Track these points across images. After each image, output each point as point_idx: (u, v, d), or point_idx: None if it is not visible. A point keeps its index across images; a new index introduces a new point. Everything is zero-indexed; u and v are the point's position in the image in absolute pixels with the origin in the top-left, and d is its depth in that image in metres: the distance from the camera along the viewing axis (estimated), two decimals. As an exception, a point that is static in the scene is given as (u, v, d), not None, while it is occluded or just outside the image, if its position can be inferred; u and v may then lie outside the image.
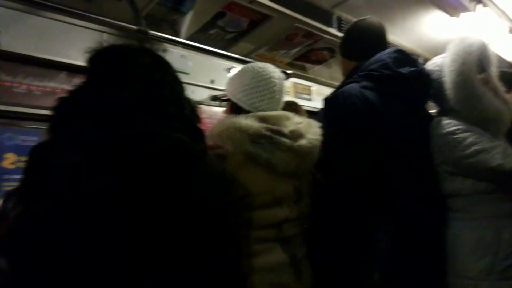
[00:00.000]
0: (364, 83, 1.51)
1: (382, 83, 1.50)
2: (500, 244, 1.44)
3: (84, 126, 0.88)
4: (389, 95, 1.49)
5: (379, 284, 1.39)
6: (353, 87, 1.51)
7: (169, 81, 1.03)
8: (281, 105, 1.47)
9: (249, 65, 1.51)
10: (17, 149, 1.77)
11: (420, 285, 1.47)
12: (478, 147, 1.47)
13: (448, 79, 1.58)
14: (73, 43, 1.82)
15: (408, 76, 1.53)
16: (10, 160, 1.76)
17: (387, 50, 1.62)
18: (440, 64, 1.65)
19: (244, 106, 1.42)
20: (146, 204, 0.88)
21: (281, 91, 1.45)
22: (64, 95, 0.96)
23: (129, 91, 0.92)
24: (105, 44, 1.06)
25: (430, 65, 1.72)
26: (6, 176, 1.73)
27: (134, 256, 0.86)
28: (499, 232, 1.46)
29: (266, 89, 1.41)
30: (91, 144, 0.86)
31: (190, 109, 1.05)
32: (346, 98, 1.47)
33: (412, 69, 1.55)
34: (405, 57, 1.60)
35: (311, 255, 1.44)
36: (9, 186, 1.71)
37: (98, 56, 1.02)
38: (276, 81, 1.43)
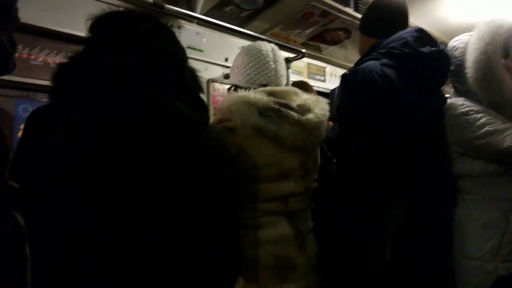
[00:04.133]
0: (385, 60, 1.49)
1: (403, 62, 1.48)
2: (507, 226, 1.44)
3: (84, 91, 0.87)
4: (408, 74, 1.48)
5: (389, 261, 1.41)
6: (373, 64, 1.49)
7: (170, 48, 1.00)
8: (281, 75, 1.48)
9: (241, 49, 1.54)
10: (32, 121, 1.79)
11: (429, 264, 1.48)
12: (490, 129, 1.46)
13: (470, 57, 1.54)
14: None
15: (428, 56, 1.51)
16: (26, 131, 1.78)
17: (409, 29, 1.60)
18: (465, 41, 1.62)
19: (244, 84, 1.45)
20: (143, 172, 0.88)
21: (276, 61, 1.47)
22: (65, 61, 0.95)
23: (129, 57, 0.90)
24: (105, 11, 1.02)
25: (455, 41, 1.68)
26: (22, 147, 1.76)
27: (127, 222, 0.86)
28: (506, 214, 1.45)
29: (259, 61, 1.44)
30: (91, 109, 0.86)
31: (191, 78, 1.02)
32: (366, 74, 1.45)
33: (433, 48, 1.53)
34: (426, 36, 1.58)
35: (321, 231, 1.47)
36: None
37: (98, 22, 1.00)
38: (268, 52, 1.46)
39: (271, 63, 1.45)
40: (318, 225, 1.49)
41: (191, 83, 1.01)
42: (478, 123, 1.49)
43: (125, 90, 0.88)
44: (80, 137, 0.85)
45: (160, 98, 0.90)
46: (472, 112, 1.51)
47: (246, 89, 1.40)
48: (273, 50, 1.48)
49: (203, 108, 1.03)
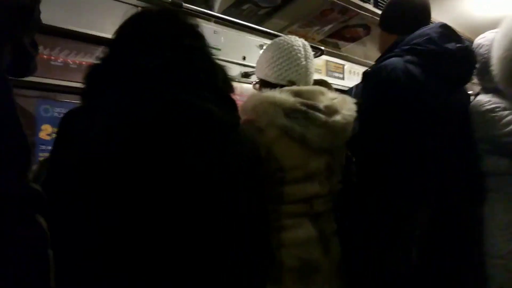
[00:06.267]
0: (408, 57, 1.46)
1: (427, 58, 1.45)
2: None
3: (115, 93, 0.87)
4: (433, 71, 1.45)
5: (416, 261, 1.38)
6: (397, 61, 1.45)
7: (201, 47, 0.98)
8: (311, 73, 1.46)
9: (271, 41, 1.51)
10: (53, 121, 1.81)
11: (455, 263, 1.47)
12: None
13: (495, 54, 1.51)
14: (108, 17, 1.82)
15: (454, 52, 1.47)
16: (47, 131, 1.80)
17: (432, 25, 1.56)
18: (490, 38, 1.59)
19: (273, 80, 1.42)
20: (174, 175, 0.86)
21: (307, 57, 1.43)
22: (96, 62, 0.94)
23: (159, 58, 0.89)
24: (132, 13, 1.00)
25: (480, 39, 1.67)
26: (42, 147, 1.78)
27: (158, 226, 0.85)
28: None
29: (290, 57, 1.40)
30: (121, 111, 0.85)
31: (222, 77, 0.99)
32: (389, 72, 1.42)
33: (458, 45, 1.49)
34: (450, 32, 1.54)
35: (342, 233, 1.44)
36: (46, 156, 1.76)
37: (126, 23, 0.98)
38: (300, 48, 1.42)
39: (302, 59, 1.41)
40: (339, 227, 1.46)
41: (222, 83, 0.98)
42: (504, 120, 1.47)
43: (156, 92, 0.87)
44: (109, 140, 0.83)
45: (190, 99, 0.89)
46: (498, 109, 1.50)
47: (272, 86, 1.37)
48: (304, 46, 1.44)
49: (234, 108, 1.02)
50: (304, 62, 1.42)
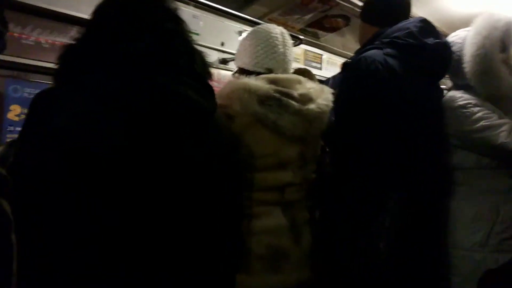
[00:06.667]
0: (388, 50, 1.47)
1: (406, 52, 1.46)
2: (496, 218, 1.46)
3: (94, 75, 0.84)
4: (411, 65, 1.46)
5: (384, 254, 1.40)
6: (376, 53, 1.46)
7: (181, 32, 0.97)
8: (289, 60, 1.46)
9: (250, 30, 1.52)
10: (22, 102, 1.76)
11: (424, 256, 1.49)
12: (485, 123, 1.46)
13: (468, 52, 1.54)
14: (84, -3, 1.77)
15: (432, 47, 1.49)
16: (16, 112, 1.75)
17: (412, 19, 1.58)
18: (463, 36, 1.61)
19: (251, 67, 1.42)
20: (149, 160, 0.85)
21: (285, 45, 1.44)
22: (72, 43, 0.91)
23: (141, 41, 0.87)
24: None
25: (453, 37, 1.68)
26: (10, 128, 1.73)
27: (135, 212, 0.84)
28: (496, 206, 1.47)
29: (268, 45, 1.41)
30: (101, 93, 0.83)
31: (201, 63, 0.99)
32: (369, 63, 1.42)
33: (436, 40, 1.52)
34: (429, 27, 1.56)
35: (313, 222, 1.45)
36: (14, 137, 1.71)
37: (105, 5, 0.96)
38: (278, 36, 1.43)
39: (280, 46, 1.42)
40: (311, 216, 1.48)
41: (200, 68, 0.98)
42: (474, 116, 1.49)
43: (136, 75, 0.85)
44: (89, 121, 0.81)
45: (171, 84, 0.88)
46: (470, 106, 1.52)
47: (251, 74, 1.38)
48: (282, 34, 1.45)
49: (212, 94, 1.01)
50: (281, 50, 1.42)
